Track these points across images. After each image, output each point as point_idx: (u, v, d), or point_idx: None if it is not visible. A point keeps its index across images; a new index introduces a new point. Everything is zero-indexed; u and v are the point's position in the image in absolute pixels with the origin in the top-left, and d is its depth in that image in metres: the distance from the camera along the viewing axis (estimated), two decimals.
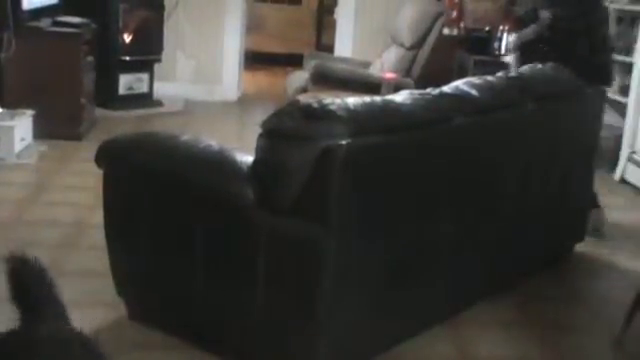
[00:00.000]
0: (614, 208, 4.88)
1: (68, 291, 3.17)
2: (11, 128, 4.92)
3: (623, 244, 4.25)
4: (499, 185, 3.17)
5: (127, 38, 6.54)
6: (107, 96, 6.38)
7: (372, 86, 5.21)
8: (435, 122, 2.82)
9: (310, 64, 5.77)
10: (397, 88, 4.54)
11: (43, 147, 5.19)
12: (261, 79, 8.82)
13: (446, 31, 6.43)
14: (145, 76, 6.73)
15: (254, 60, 8.73)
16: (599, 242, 4.14)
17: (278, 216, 2.47)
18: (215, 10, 7.22)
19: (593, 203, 4.09)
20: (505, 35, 6.56)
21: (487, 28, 6.72)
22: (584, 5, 4.10)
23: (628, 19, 5.95)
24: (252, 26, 8.62)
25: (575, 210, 3.82)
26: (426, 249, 2.85)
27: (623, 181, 5.42)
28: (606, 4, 4.21)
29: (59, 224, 3.94)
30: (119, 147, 2.93)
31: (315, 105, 2.53)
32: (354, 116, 2.54)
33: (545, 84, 3.51)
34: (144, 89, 6.74)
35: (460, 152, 2.94)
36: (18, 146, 4.98)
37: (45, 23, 5.55)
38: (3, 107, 5.18)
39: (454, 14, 6.70)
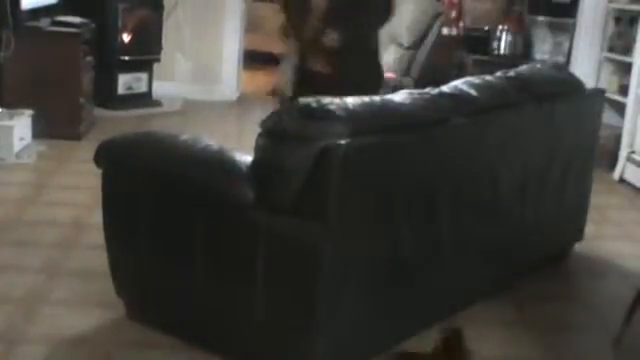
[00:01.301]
0: (613, 208, 4.89)
1: (67, 291, 3.20)
2: (10, 128, 4.92)
3: (622, 244, 4.25)
4: (498, 184, 3.17)
5: (126, 38, 6.53)
6: (106, 96, 6.37)
7: None
8: (434, 122, 2.82)
9: None
10: (396, 88, 4.54)
11: (42, 147, 5.18)
12: (260, 79, 8.81)
13: (445, 31, 6.43)
14: (144, 76, 6.72)
15: (253, 60, 8.72)
16: (599, 242, 4.14)
17: (277, 215, 2.47)
18: (214, 10, 7.22)
19: None
20: (504, 35, 6.57)
21: (486, 28, 6.73)
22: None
23: (627, 19, 5.95)
24: (251, 26, 8.61)
25: (574, 209, 3.82)
26: (426, 249, 2.85)
27: (622, 181, 5.42)
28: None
29: (58, 224, 3.94)
30: (118, 147, 2.93)
31: (314, 105, 2.53)
32: (353, 116, 2.54)
33: (544, 84, 3.51)
34: (143, 89, 6.73)
35: (459, 152, 2.94)
36: (17, 146, 4.97)
37: (44, 23, 5.54)
38: (2, 107, 5.17)
39: (453, 14, 6.70)
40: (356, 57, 3.89)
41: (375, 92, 3.77)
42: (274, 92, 4.19)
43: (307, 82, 3.90)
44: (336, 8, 3.82)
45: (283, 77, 4.03)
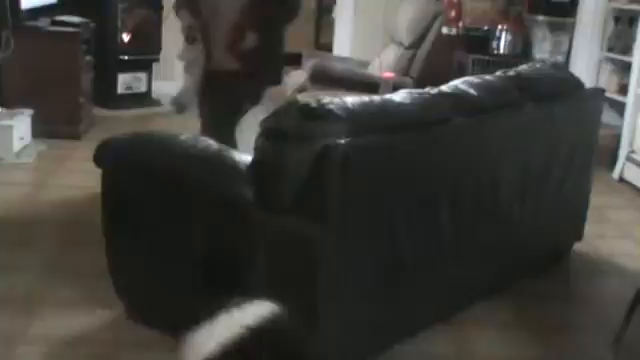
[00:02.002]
0: (613, 207, 4.88)
1: (67, 291, 3.20)
2: (10, 127, 4.93)
3: (622, 243, 4.26)
4: (498, 184, 3.17)
5: (126, 37, 6.54)
6: (106, 95, 6.37)
7: (370, 85, 5.21)
8: (433, 121, 2.82)
9: (309, 63, 5.77)
10: (395, 87, 4.53)
11: (42, 146, 5.18)
12: None
13: (445, 30, 6.42)
14: (144, 75, 6.72)
15: None
16: (598, 242, 4.14)
17: (277, 215, 2.47)
18: None
19: None
20: (504, 34, 6.57)
21: (486, 27, 6.72)
22: None
23: (626, 18, 5.95)
24: None
25: (573, 209, 3.82)
26: (425, 248, 2.85)
27: (622, 180, 5.42)
28: None
29: (58, 223, 3.94)
30: (118, 146, 2.93)
31: (314, 104, 2.53)
32: (353, 115, 2.54)
33: (544, 83, 3.51)
34: (143, 88, 6.73)
35: (459, 151, 2.94)
36: (17, 145, 4.98)
37: (44, 22, 5.55)
38: (2, 106, 5.18)
39: (453, 13, 6.70)
40: (266, 53, 3.92)
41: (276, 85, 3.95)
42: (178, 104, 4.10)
43: (213, 83, 3.90)
44: (253, 8, 3.82)
45: (187, 86, 4.01)
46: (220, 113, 3.93)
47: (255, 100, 3.93)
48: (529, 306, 3.35)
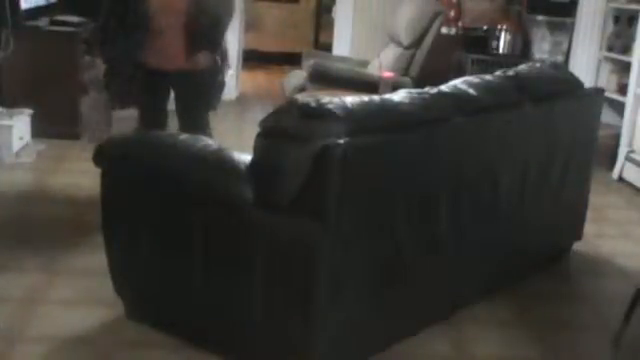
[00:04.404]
0: (612, 207, 4.89)
1: (66, 290, 3.20)
2: (10, 127, 4.93)
3: (622, 243, 4.26)
4: (497, 184, 3.17)
5: None
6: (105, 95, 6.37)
7: (370, 85, 5.21)
8: (433, 121, 2.82)
9: (308, 63, 5.77)
10: (395, 87, 4.54)
11: (42, 146, 5.18)
12: (259, 78, 8.81)
13: (444, 30, 6.43)
14: None
15: (251, 58, 8.73)
16: (598, 241, 4.15)
17: (276, 215, 2.48)
18: None
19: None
20: (503, 34, 6.57)
21: (485, 27, 6.73)
22: None
23: (626, 18, 5.96)
24: (250, 25, 8.62)
25: (573, 208, 3.82)
26: (425, 248, 2.85)
27: (621, 180, 5.43)
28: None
29: (58, 223, 3.94)
30: (117, 146, 2.94)
31: (313, 104, 2.53)
32: (352, 115, 2.54)
33: (543, 83, 3.51)
34: None
35: (458, 151, 2.94)
36: (17, 145, 4.98)
37: (43, 22, 5.55)
38: (2, 106, 5.18)
39: (452, 13, 6.71)
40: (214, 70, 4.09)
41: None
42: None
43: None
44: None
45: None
46: (194, 107, 4.16)
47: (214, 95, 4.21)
48: (529, 305, 3.35)
